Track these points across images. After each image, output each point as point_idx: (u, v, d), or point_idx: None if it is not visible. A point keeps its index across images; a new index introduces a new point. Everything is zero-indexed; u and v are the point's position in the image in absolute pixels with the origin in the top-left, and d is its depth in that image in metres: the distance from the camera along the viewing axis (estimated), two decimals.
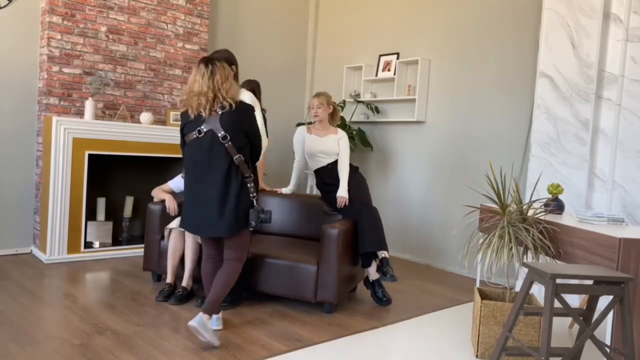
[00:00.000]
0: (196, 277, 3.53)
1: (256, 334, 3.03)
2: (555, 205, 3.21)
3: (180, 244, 3.61)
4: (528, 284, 2.42)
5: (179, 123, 5.20)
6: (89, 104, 4.50)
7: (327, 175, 3.88)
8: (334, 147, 3.85)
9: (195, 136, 2.88)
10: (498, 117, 4.69)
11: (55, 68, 4.51)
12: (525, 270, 3.33)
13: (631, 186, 3.75)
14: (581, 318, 2.47)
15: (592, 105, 3.91)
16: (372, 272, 3.75)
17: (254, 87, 4.09)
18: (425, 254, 5.24)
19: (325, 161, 3.88)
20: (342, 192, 3.74)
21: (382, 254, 3.63)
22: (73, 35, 4.58)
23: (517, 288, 4.09)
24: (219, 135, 2.83)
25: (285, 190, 4.09)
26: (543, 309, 2.24)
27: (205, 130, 2.85)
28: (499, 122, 4.68)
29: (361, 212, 3.64)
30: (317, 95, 3.93)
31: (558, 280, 2.23)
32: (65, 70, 4.56)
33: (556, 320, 3.52)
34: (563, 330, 3.43)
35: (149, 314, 3.26)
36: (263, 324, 3.21)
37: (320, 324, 3.29)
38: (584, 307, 2.66)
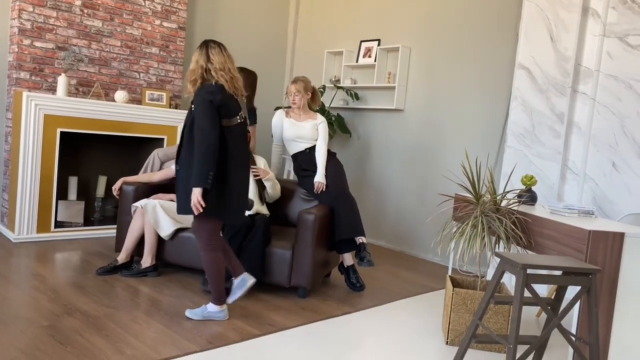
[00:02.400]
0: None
1: (229, 318, 3.02)
2: (528, 196, 3.26)
3: (141, 224, 3.62)
4: (499, 274, 2.46)
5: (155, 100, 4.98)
6: (61, 80, 4.37)
7: (304, 161, 3.84)
8: (313, 132, 3.80)
9: (238, 121, 2.86)
10: (476, 107, 4.73)
11: (27, 41, 4.36)
12: (497, 259, 3.39)
13: (601, 179, 3.83)
14: (549, 307, 2.52)
15: (567, 99, 3.96)
16: (347, 258, 3.76)
17: (253, 82, 3.97)
18: (400, 241, 5.29)
19: (303, 146, 3.83)
20: (320, 178, 3.72)
21: (360, 239, 3.63)
22: (45, 8, 4.42)
23: (489, 277, 4.16)
24: (248, 123, 2.93)
25: None
26: (513, 298, 2.28)
27: (244, 117, 2.90)
28: (477, 113, 4.72)
29: (337, 199, 3.64)
30: (295, 81, 3.79)
31: (528, 271, 2.27)
32: (37, 44, 4.42)
33: (524, 309, 3.59)
34: (530, 318, 3.51)
35: (119, 295, 3.22)
36: (236, 307, 3.20)
37: (294, 308, 3.30)
38: (552, 297, 2.71)
